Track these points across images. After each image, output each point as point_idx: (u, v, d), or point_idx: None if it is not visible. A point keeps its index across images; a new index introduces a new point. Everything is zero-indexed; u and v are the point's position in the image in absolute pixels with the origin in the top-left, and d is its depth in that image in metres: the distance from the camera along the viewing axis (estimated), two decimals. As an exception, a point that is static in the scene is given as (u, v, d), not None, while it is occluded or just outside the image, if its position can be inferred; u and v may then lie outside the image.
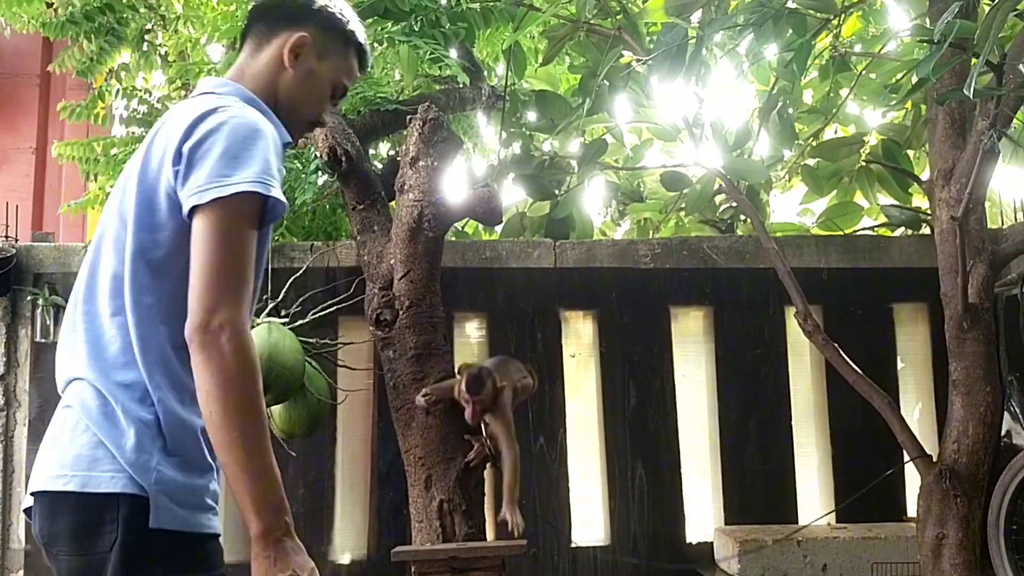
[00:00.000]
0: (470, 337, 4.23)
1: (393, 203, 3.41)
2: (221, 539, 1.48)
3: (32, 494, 1.43)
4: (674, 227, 5.03)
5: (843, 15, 3.80)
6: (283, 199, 1.41)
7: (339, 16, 1.66)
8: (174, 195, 1.38)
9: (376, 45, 4.22)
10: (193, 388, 1.34)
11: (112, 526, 1.31)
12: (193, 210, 1.34)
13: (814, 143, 4.68)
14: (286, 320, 3.52)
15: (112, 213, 1.48)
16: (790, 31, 3.25)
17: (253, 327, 1.65)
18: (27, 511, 1.46)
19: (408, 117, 3.36)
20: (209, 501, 1.43)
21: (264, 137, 1.42)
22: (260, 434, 1.31)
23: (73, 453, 1.37)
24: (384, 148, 4.90)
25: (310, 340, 3.60)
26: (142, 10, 4.40)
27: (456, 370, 3.08)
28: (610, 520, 4.11)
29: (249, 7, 1.66)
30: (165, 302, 1.40)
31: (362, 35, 1.70)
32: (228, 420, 1.28)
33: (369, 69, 4.24)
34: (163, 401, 1.39)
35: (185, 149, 1.37)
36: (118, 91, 4.54)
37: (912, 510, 3.68)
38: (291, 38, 1.60)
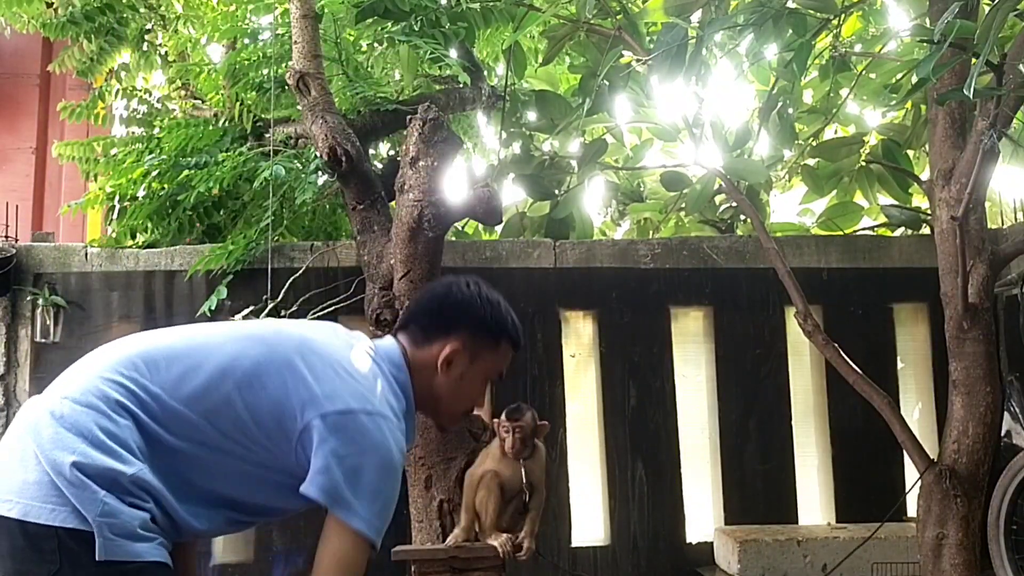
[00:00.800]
0: (470, 337, 4.22)
1: (393, 203, 3.41)
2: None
3: None
4: (674, 227, 5.03)
5: (843, 15, 3.80)
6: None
7: (490, 319, 1.76)
8: (296, 452, 1.51)
9: (376, 45, 4.23)
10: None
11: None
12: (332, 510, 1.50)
13: (814, 143, 4.68)
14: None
15: (228, 358, 1.56)
16: (790, 31, 3.25)
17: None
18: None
19: (408, 117, 3.36)
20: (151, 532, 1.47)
21: (397, 478, 1.58)
22: None
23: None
24: (384, 148, 4.91)
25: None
26: (142, 10, 4.41)
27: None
28: (610, 520, 4.11)
29: (410, 304, 1.82)
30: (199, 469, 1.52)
31: (512, 324, 1.80)
32: None
33: (369, 69, 4.25)
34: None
35: (329, 439, 1.49)
36: (118, 91, 4.55)
37: (912, 510, 3.68)
38: (444, 348, 1.71)
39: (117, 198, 4.23)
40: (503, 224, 4.60)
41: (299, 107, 3.59)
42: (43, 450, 1.41)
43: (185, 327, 1.68)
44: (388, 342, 1.74)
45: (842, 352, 3.33)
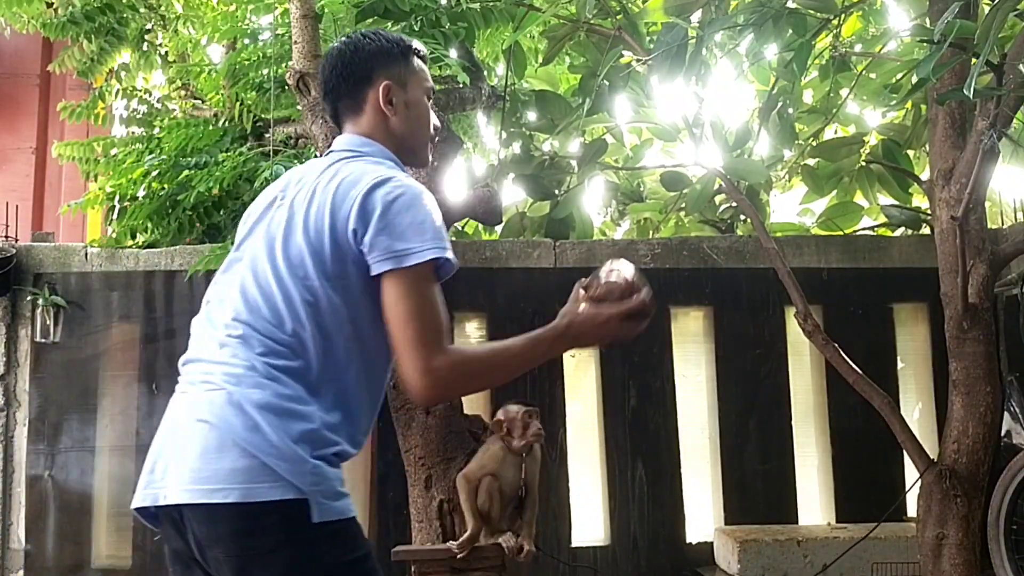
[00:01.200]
0: (470, 337, 4.23)
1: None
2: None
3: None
4: (674, 227, 5.03)
5: (843, 15, 3.80)
6: (454, 260, 1.61)
7: (389, 46, 1.81)
8: (357, 256, 1.58)
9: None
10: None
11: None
12: (389, 273, 1.55)
13: (814, 143, 4.68)
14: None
15: (271, 247, 1.63)
16: (790, 31, 3.25)
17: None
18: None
19: (408, 117, 3.35)
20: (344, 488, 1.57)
21: (433, 204, 1.62)
22: (521, 363, 1.65)
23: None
24: (384, 148, 4.90)
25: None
26: (142, 10, 4.41)
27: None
28: (610, 520, 4.11)
29: (321, 92, 1.83)
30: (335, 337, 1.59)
31: (408, 40, 1.85)
32: (494, 379, 1.75)
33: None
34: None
35: (371, 214, 1.57)
36: (118, 91, 4.55)
37: (912, 510, 3.68)
38: (376, 94, 1.77)
39: (117, 198, 4.23)
40: (503, 224, 4.60)
41: (299, 107, 3.59)
42: (241, 438, 1.48)
43: (223, 273, 1.70)
44: (341, 139, 1.79)
45: (842, 352, 3.33)
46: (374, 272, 1.56)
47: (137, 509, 1.61)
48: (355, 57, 1.78)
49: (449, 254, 1.59)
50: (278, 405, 1.51)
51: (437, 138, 1.90)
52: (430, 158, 1.90)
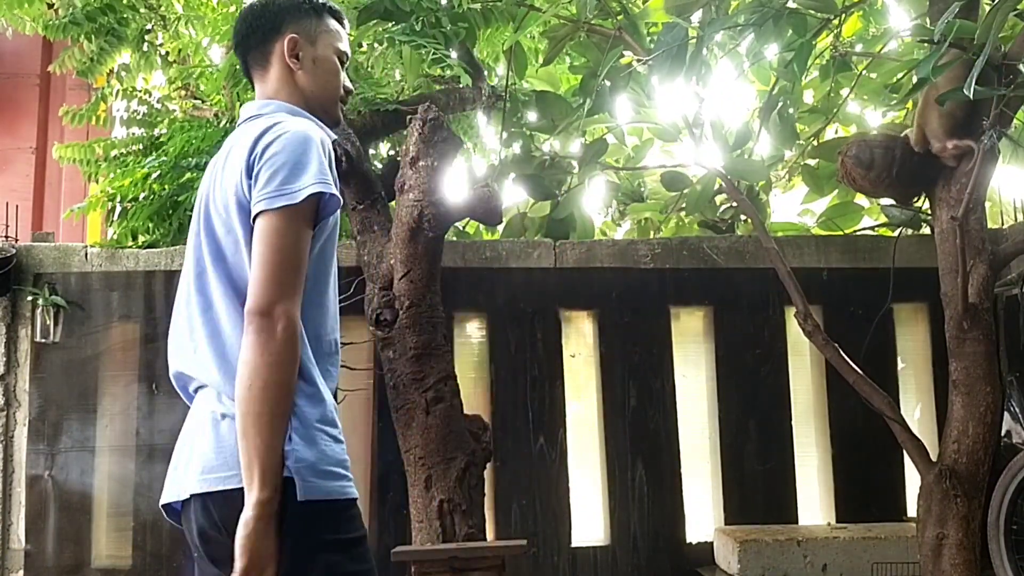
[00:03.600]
0: (470, 337, 4.23)
1: (393, 203, 3.41)
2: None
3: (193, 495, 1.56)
4: (674, 227, 5.03)
5: (843, 15, 3.80)
6: (338, 195, 1.60)
7: (300, 1, 1.80)
8: (247, 206, 1.58)
9: (376, 45, 4.22)
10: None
11: None
12: (260, 214, 1.54)
13: (814, 143, 4.68)
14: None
15: (203, 233, 1.66)
16: (790, 31, 3.26)
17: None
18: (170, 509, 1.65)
19: (408, 117, 3.36)
20: (343, 470, 1.58)
21: (315, 143, 1.60)
22: (285, 415, 1.50)
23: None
24: (384, 148, 4.91)
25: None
26: (142, 10, 4.40)
27: None
28: (610, 520, 4.11)
29: (232, 44, 1.84)
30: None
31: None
32: (265, 396, 1.47)
33: (369, 69, 4.25)
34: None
35: (253, 163, 1.58)
36: (118, 92, 4.54)
37: (912, 510, 3.68)
38: (283, 46, 1.76)
39: (119, 198, 4.23)
40: (503, 224, 4.60)
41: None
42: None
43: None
44: (244, 108, 1.78)
45: (842, 352, 3.33)
46: (253, 215, 1.55)
47: (163, 506, 1.66)
48: (265, 10, 1.78)
49: (330, 189, 1.57)
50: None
51: (348, 99, 1.90)
52: (341, 117, 1.89)
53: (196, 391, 1.64)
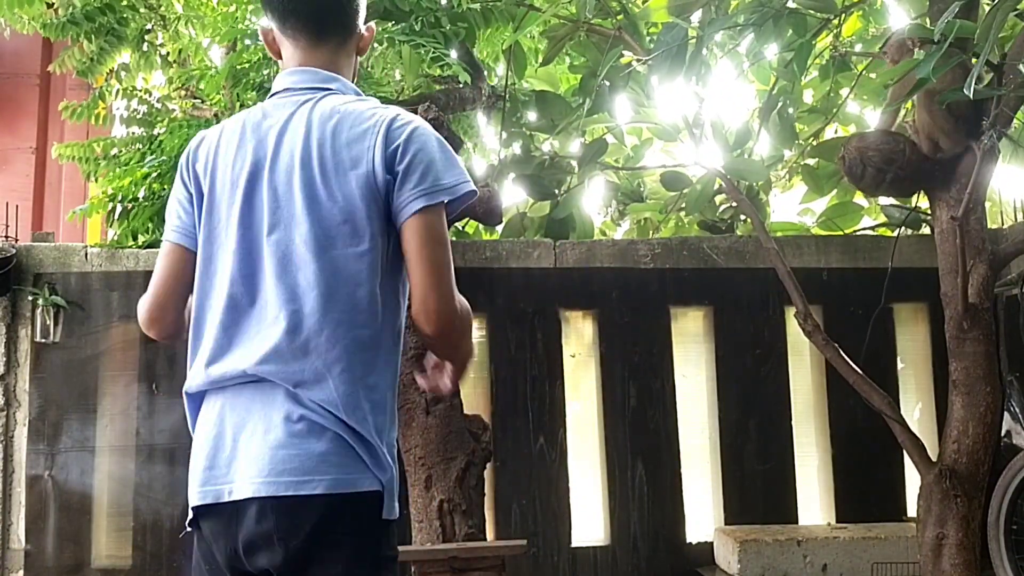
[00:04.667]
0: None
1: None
2: None
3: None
4: (674, 227, 5.03)
5: (843, 15, 3.80)
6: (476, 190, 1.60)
7: None
8: (384, 201, 1.51)
9: (376, 45, 4.22)
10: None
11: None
12: (421, 209, 1.49)
13: (814, 143, 4.68)
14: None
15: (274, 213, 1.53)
16: (790, 31, 3.26)
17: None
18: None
19: (408, 117, 3.36)
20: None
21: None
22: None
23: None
24: (384, 148, 4.90)
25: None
26: (142, 10, 4.40)
27: None
28: (610, 520, 4.11)
29: (319, 5, 1.66)
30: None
31: None
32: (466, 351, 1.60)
33: (369, 69, 4.25)
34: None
35: (397, 156, 1.51)
36: (118, 91, 4.54)
37: (912, 510, 3.68)
38: (365, 34, 1.72)
39: (119, 198, 4.23)
40: (503, 224, 4.60)
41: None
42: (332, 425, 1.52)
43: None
44: (299, 75, 1.63)
45: (842, 352, 3.33)
46: (410, 212, 1.49)
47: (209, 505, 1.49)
48: (348, 2, 1.68)
49: (466, 187, 1.55)
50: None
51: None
52: None
53: (245, 386, 1.48)
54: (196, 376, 1.52)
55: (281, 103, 1.60)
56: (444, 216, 1.51)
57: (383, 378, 1.51)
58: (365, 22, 1.75)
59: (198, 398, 1.55)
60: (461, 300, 1.53)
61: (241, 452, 1.45)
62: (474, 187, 1.56)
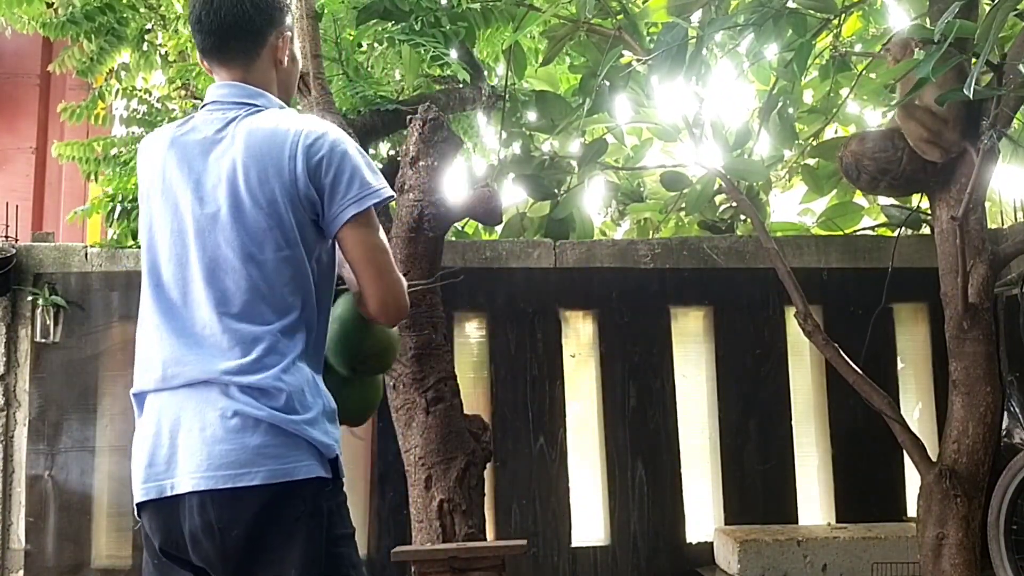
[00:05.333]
0: (470, 337, 4.23)
1: (393, 203, 3.40)
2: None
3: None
4: (674, 227, 5.03)
5: (843, 15, 3.80)
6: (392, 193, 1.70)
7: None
8: (312, 212, 1.62)
9: (376, 45, 4.22)
10: None
11: None
12: (353, 217, 1.61)
13: (814, 143, 4.68)
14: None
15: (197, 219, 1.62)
16: (790, 31, 3.25)
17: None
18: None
19: (408, 117, 3.36)
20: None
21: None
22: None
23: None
24: (384, 148, 4.90)
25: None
26: (142, 10, 4.40)
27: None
28: (610, 520, 4.11)
29: (214, 22, 1.70)
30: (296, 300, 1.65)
31: None
32: None
33: (369, 69, 4.25)
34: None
35: (320, 169, 1.60)
36: (118, 91, 4.54)
37: (912, 510, 3.68)
38: (280, 40, 1.74)
39: (119, 198, 4.23)
40: (503, 224, 4.60)
41: (299, 107, 3.59)
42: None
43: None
44: (224, 90, 1.70)
45: (842, 352, 3.33)
46: (344, 219, 1.60)
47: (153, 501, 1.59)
48: (255, 9, 1.69)
49: (387, 190, 1.66)
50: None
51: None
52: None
53: (179, 387, 1.57)
54: (138, 378, 1.64)
55: (210, 118, 1.68)
56: (375, 217, 1.64)
57: (312, 360, 1.62)
58: (365, 22, 1.77)
59: (141, 399, 1.65)
60: (403, 283, 1.68)
61: (180, 448, 1.54)
62: (391, 191, 1.67)
